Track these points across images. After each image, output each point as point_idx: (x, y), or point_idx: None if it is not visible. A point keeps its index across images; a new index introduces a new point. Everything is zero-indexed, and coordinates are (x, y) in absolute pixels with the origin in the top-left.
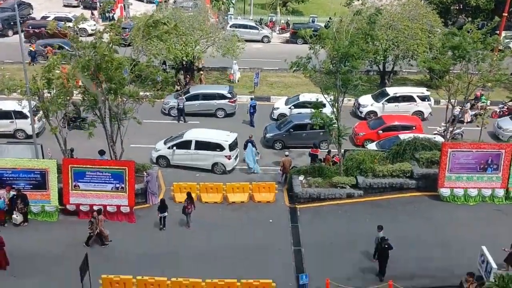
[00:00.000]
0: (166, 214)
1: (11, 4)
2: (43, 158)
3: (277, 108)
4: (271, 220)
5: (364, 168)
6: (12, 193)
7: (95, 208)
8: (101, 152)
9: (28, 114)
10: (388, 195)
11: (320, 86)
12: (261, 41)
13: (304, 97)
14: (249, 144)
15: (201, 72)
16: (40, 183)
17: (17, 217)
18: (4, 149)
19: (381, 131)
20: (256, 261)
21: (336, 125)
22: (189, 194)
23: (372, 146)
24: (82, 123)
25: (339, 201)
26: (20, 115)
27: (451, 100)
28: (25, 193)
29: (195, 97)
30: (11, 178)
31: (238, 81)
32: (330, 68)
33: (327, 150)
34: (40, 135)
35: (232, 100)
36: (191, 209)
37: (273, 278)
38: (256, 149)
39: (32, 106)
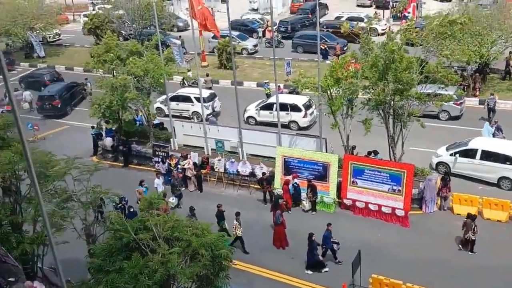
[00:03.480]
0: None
1: (310, 5)
2: (326, 151)
3: None
4: None
5: None
6: (295, 180)
7: (370, 207)
8: (375, 152)
9: (302, 108)
10: None
11: None
12: None
13: None
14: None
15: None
16: (322, 175)
17: (306, 204)
18: (293, 140)
19: None
20: None
21: None
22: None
23: None
24: None
25: None
26: (294, 108)
27: None
28: (315, 183)
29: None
30: (296, 167)
31: None
32: None
33: None
34: (310, 128)
35: (458, 102)
36: (445, 193)
37: None
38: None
39: (306, 101)
